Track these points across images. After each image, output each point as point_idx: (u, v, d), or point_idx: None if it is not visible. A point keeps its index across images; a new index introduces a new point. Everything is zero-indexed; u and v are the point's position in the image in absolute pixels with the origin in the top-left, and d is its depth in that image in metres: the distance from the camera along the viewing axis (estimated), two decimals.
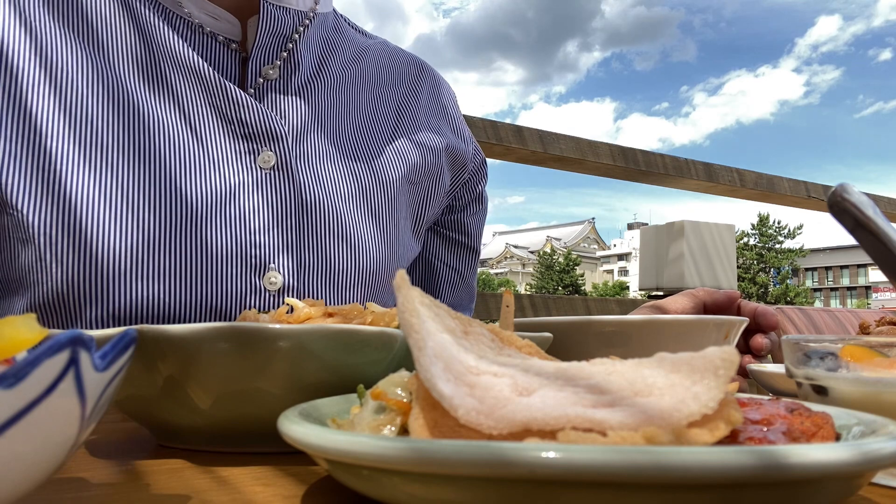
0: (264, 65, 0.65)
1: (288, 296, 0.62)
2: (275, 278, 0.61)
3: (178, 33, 0.62)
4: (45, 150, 0.57)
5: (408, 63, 0.81)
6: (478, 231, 0.86)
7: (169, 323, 0.59)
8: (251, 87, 0.64)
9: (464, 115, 1.64)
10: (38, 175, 0.57)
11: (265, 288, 0.61)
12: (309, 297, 0.63)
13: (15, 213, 0.57)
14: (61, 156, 0.57)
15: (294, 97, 0.66)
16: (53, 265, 0.56)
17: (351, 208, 0.66)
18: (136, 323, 0.58)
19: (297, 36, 0.67)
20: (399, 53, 0.82)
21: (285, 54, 0.66)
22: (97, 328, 0.58)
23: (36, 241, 0.56)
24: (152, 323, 0.59)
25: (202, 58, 0.63)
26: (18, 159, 0.57)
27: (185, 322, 0.60)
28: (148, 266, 0.57)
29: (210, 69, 0.62)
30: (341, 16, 0.80)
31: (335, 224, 0.65)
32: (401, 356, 0.36)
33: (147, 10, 0.62)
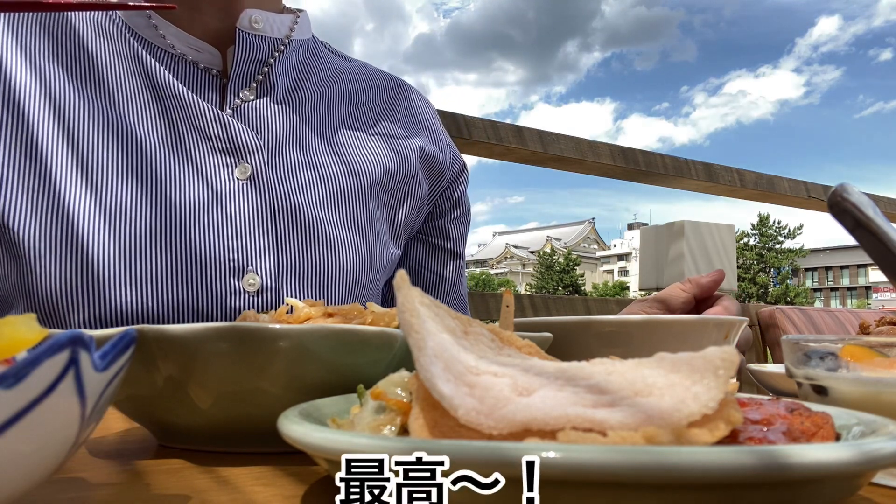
0: (241, 88, 0.70)
1: (266, 296, 0.65)
2: (253, 280, 0.65)
3: (162, 64, 0.68)
4: (46, 169, 0.62)
5: (385, 82, 0.85)
6: (460, 236, 0.88)
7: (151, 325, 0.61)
8: (229, 108, 0.69)
9: (464, 116, 1.65)
10: (38, 192, 0.61)
11: (244, 289, 0.64)
12: (287, 297, 0.66)
13: (6, 232, 0.61)
14: (60, 174, 0.62)
15: (269, 114, 0.71)
16: (42, 275, 0.60)
17: (324, 212, 0.70)
18: (120, 326, 0.60)
19: (272, 61, 0.72)
20: (377, 74, 0.86)
21: (261, 77, 0.71)
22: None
23: (26, 255, 0.60)
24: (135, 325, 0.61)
25: (183, 84, 0.68)
26: (20, 178, 0.61)
27: (166, 324, 0.62)
28: (134, 271, 0.61)
29: (190, 93, 0.67)
30: (321, 42, 0.84)
31: (309, 227, 0.69)
32: (401, 356, 0.36)
33: (137, 45, 0.68)
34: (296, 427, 0.24)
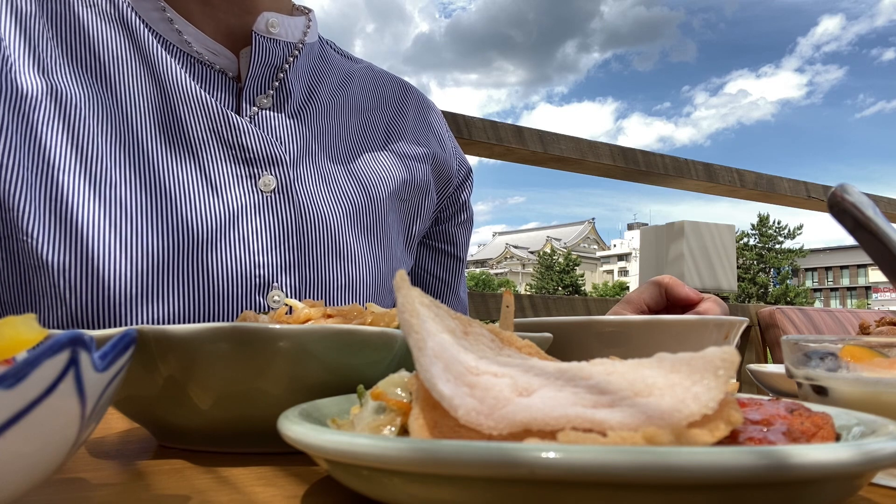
0: (257, 94, 0.68)
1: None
2: (278, 296, 0.63)
3: (179, 64, 0.66)
4: (57, 183, 0.59)
5: (392, 85, 0.85)
6: (463, 241, 0.88)
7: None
8: (246, 115, 0.67)
9: (464, 116, 1.66)
10: (51, 207, 0.59)
11: (269, 306, 0.63)
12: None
13: (28, 240, 0.58)
14: (71, 188, 0.60)
15: (287, 124, 0.69)
16: (67, 293, 0.58)
17: (345, 227, 0.70)
18: None
19: (287, 66, 0.71)
20: (384, 76, 0.86)
21: (277, 84, 0.70)
22: None
23: (49, 270, 0.58)
24: None
25: (201, 86, 0.66)
26: (33, 190, 0.59)
27: None
28: (156, 290, 0.59)
29: (210, 98, 0.65)
30: (326, 42, 0.83)
31: (330, 241, 0.68)
32: (401, 356, 0.36)
33: (154, 43, 0.66)
34: (296, 427, 0.24)
